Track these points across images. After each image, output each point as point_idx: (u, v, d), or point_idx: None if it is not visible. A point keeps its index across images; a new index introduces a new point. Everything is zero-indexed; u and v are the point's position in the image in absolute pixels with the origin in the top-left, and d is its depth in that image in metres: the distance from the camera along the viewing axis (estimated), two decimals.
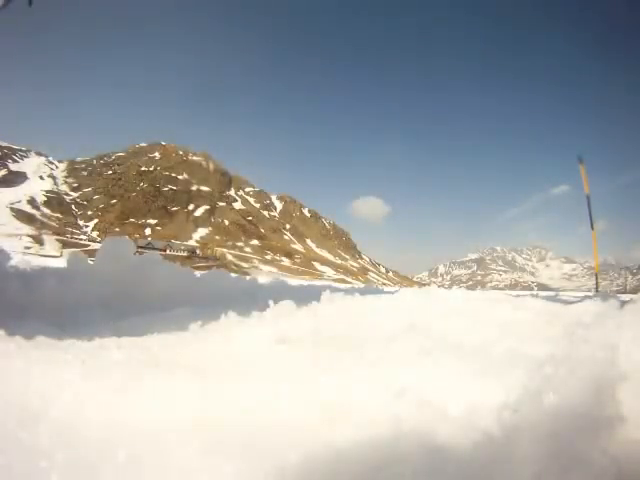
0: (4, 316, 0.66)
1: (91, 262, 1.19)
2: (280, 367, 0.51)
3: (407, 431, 0.31)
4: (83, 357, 0.50)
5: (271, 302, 1.14)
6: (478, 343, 0.66)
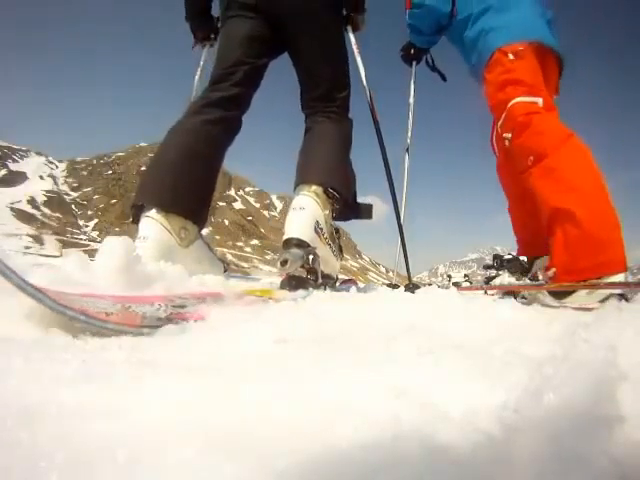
0: (4, 315, 0.66)
1: (91, 261, 1.19)
2: (280, 367, 0.50)
3: (407, 431, 0.31)
4: (83, 356, 0.50)
5: (271, 301, 1.14)
6: (478, 343, 0.66)
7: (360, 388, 0.41)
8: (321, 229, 1.34)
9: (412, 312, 1.02)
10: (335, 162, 1.41)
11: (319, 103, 1.55)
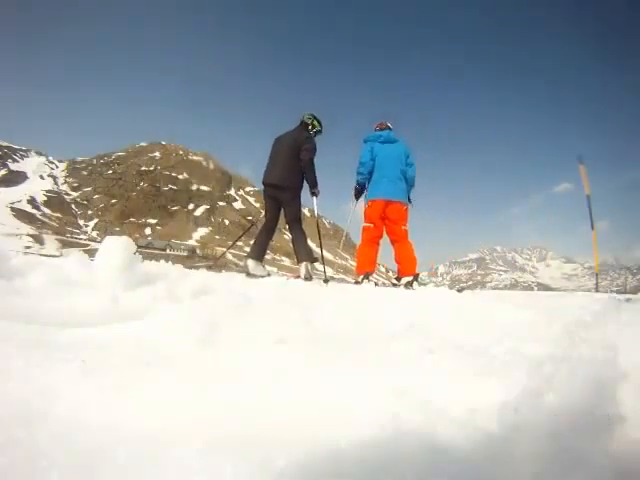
0: (4, 315, 0.66)
1: (91, 261, 1.20)
2: (280, 367, 0.51)
3: (407, 431, 0.31)
4: (83, 357, 0.50)
5: (271, 301, 1.14)
6: (478, 343, 0.66)
7: (360, 388, 0.41)
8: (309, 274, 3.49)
9: (412, 312, 1.02)
10: (306, 249, 3.71)
11: (289, 223, 3.88)
